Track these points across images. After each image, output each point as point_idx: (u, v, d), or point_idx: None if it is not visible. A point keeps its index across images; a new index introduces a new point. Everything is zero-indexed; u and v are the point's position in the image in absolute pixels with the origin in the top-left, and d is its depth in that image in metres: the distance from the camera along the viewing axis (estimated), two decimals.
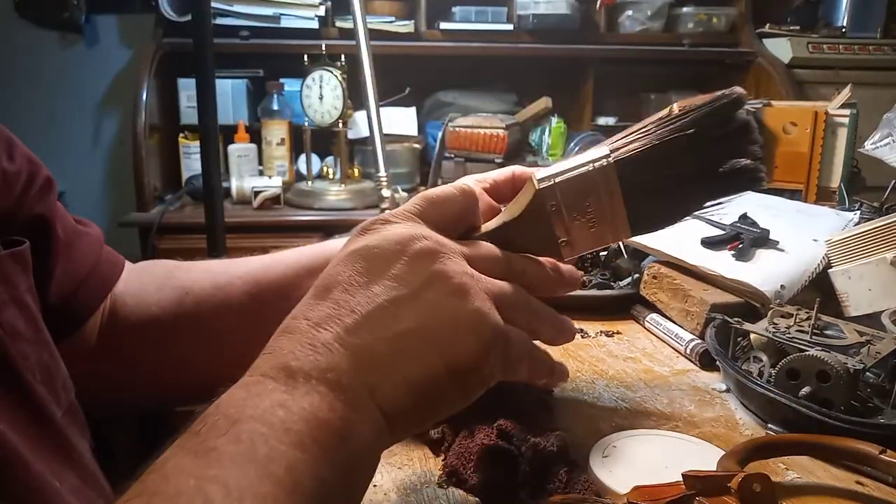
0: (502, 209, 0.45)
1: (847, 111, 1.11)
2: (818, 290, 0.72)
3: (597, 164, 0.40)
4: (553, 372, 0.42)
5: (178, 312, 0.52)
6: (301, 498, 0.27)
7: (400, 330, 0.32)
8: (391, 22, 1.97)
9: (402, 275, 0.34)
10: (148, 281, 0.54)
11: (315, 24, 1.93)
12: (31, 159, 0.47)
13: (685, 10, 2.13)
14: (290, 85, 1.91)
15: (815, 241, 0.79)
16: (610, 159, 0.40)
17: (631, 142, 0.41)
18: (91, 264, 0.50)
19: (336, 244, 0.55)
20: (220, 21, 1.84)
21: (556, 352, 0.67)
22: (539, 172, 0.42)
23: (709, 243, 0.78)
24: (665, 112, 0.42)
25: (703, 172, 0.41)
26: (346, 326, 0.32)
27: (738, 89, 0.41)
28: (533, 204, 0.41)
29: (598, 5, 2.04)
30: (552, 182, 0.41)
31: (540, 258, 0.43)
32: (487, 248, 0.40)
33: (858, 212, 0.93)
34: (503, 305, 0.37)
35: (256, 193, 1.76)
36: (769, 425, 0.51)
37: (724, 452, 0.43)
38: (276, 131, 1.89)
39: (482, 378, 0.35)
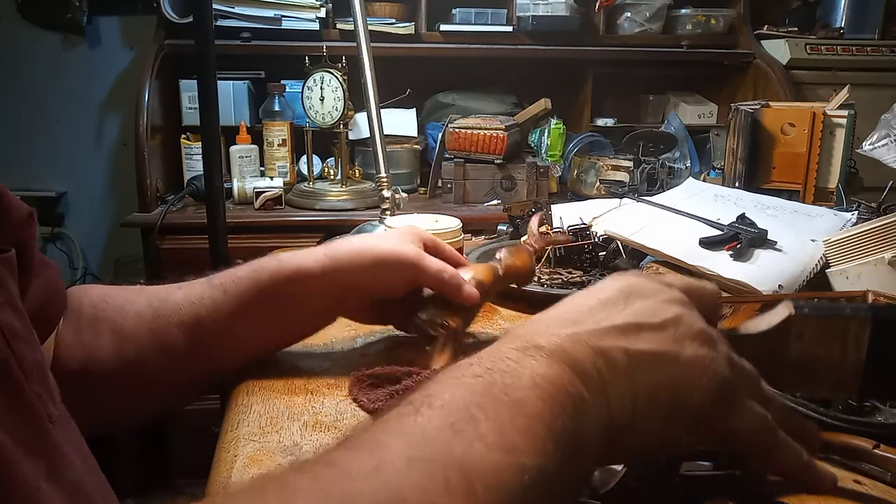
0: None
1: (845, 112, 1.11)
2: (816, 290, 0.73)
3: (852, 312, 0.39)
4: (809, 469, 0.38)
5: (119, 360, 0.52)
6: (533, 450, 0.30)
7: (639, 348, 0.35)
8: (392, 24, 1.97)
9: (653, 308, 0.37)
10: (77, 317, 0.53)
11: (316, 26, 1.93)
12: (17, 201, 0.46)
13: (683, 11, 2.13)
14: (291, 86, 1.92)
15: (813, 241, 0.79)
16: (868, 314, 0.39)
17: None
18: (51, 292, 0.50)
19: (279, 270, 0.55)
20: (221, 23, 1.84)
21: None
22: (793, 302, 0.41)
23: (707, 243, 0.79)
24: None
25: None
26: (591, 331, 0.35)
27: None
28: (783, 324, 0.40)
29: (596, 7, 2.05)
30: (804, 311, 0.40)
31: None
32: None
33: (856, 212, 0.93)
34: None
35: (258, 194, 1.76)
36: None
37: None
38: (277, 132, 1.89)
39: (709, 421, 0.35)
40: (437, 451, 0.28)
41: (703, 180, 1.36)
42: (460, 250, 0.81)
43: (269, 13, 1.90)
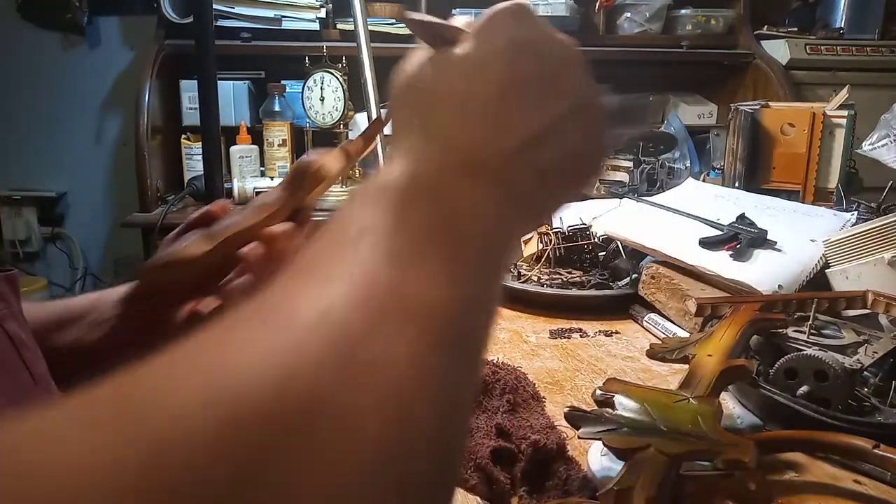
0: None
1: (844, 112, 1.12)
2: (815, 290, 0.73)
3: None
4: None
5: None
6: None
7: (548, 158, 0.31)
8: (392, 24, 1.97)
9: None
10: None
11: (316, 26, 1.93)
12: None
13: (683, 12, 2.13)
14: (291, 86, 1.92)
15: (813, 241, 0.79)
16: None
17: None
18: None
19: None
20: (221, 23, 1.84)
21: (555, 351, 0.68)
22: None
23: (707, 243, 0.79)
24: None
25: None
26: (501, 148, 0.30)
27: None
28: None
29: (596, 7, 2.05)
30: None
31: None
32: None
33: (856, 212, 0.93)
34: None
35: (258, 194, 1.76)
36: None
37: None
38: (277, 132, 1.89)
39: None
40: (384, 292, 0.24)
41: (703, 180, 1.36)
42: None
43: (269, 13, 1.90)
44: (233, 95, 1.94)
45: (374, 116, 1.15)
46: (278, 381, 0.19)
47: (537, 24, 0.32)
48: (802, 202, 1.10)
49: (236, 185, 1.81)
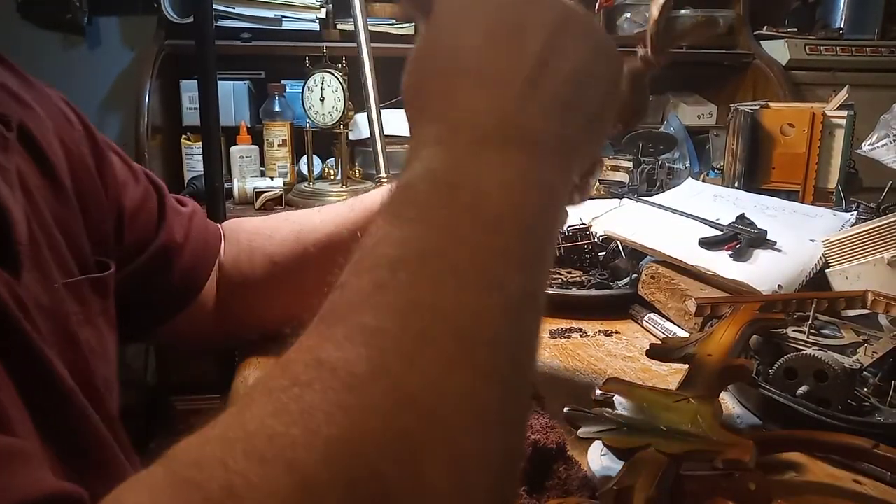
0: None
1: (844, 112, 1.12)
2: (815, 290, 0.73)
3: None
4: None
5: (269, 279, 0.63)
6: None
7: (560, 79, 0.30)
8: (392, 24, 1.97)
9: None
10: (237, 251, 0.64)
11: (316, 27, 1.93)
12: (144, 171, 0.57)
13: (683, 12, 2.13)
14: (291, 87, 1.91)
15: (813, 241, 0.80)
16: None
17: None
18: (201, 243, 0.61)
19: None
20: (221, 23, 1.84)
21: (555, 351, 0.68)
22: None
23: (706, 243, 0.79)
24: None
25: None
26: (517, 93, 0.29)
27: None
28: None
29: (596, 7, 2.05)
30: None
31: None
32: None
33: (855, 212, 0.94)
34: None
35: (258, 194, 1.76)
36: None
37: None
38: (277, 133, 1.89)
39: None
40: (429, 323, 0.23)
41: (703, 180, 1.36)
42: None
43: (270, 13, 1.90)
44: (233, 95, 1.94)
45: (374, 116, 1.15)
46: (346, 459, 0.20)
47: None
48: (802, 202, 1.10)
49: (236, 184, 1.81)
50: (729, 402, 0.57)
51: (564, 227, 0.87)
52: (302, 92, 1.77)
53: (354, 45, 1.16)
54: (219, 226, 0.66)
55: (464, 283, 0.24)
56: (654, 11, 0.45)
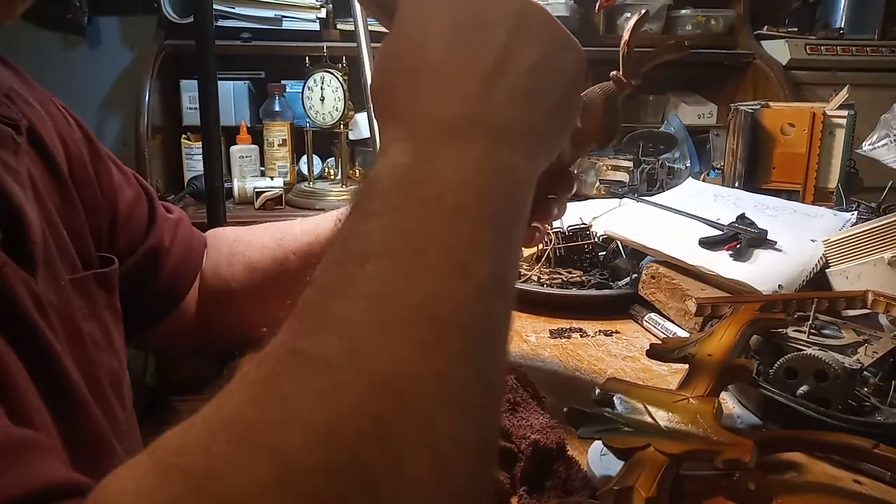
0: None
1: (844, 112, 1.12)
2: (815, 290, 0.73)
3: None
4: None
5: (249, 286, 0.63)
6: None
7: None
8: None
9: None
10: (216, 256, 0.64)
11: (316, 27, 1.93)
12: (135, 175, 0.58)
13: (683, 12, 2.13)
14: (291, 86, 1.91)
15: (813, 241, 0.79)
16: None
17: None
18: (186, 249, 0.61)
19: None
20: (221, 23, 1.84)
21: (555, 350, 0.68)
22: None
23: (707, 243, 0.79)
24: None
25: None
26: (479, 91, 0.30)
27: None
28: None
29: (596, 7, 2.04)
30: None
31: None
32: None
33: (856, 212, 0.94)
34: None
35: (258, 194, 1.76)
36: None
37: None
38: (277, 132, 1.89)
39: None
40: (399, 309, 0.24)
41: (703, 180, 1.36)
42: None
43: (270, 13, 1.90)
44: (233, 95, 1.94)
45: (374, 116, 1.15)
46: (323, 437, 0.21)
47: None
48: (802, 202, 1.10)
49: (236, 184, 1.81)
50: (729, 402, 0.57)
51: (565, 227, 0.87)
52: (302, 92, 1.77)
53: (354, 45, 1.16)
54: (203, 234, 0.66)
55: (432, 270, 0.25)
56: (626, 35, 0.47)
